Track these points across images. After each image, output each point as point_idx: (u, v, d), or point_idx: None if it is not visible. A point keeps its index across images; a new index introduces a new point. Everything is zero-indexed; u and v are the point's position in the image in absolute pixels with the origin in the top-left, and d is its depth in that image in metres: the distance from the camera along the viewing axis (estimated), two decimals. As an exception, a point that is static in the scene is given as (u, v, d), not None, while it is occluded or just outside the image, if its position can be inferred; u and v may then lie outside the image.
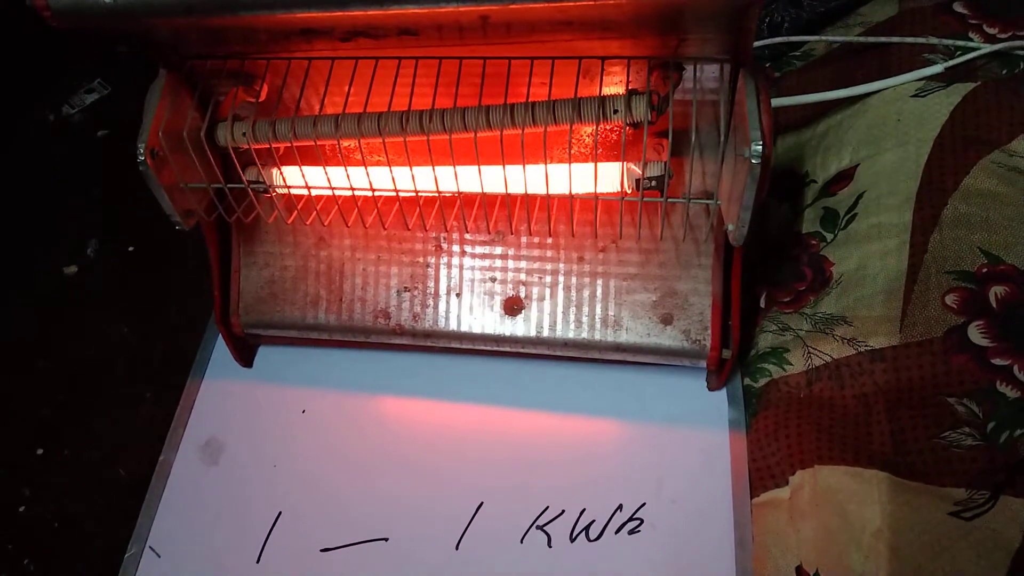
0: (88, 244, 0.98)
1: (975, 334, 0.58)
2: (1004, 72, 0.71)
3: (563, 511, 0.68)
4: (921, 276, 0.62)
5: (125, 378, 0.86)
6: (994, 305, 0.58)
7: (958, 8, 0.77)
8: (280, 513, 0.71)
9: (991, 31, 0.75)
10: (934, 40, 0.75)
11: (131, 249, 0.98)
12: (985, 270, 0.59)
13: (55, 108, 1.15)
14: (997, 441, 0.54)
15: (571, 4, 0.47)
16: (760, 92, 0.52)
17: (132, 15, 0.50)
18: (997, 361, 0.56)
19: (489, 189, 0.62)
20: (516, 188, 0.62)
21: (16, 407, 0.85)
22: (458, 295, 0.74)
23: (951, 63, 0.72)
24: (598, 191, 0.62)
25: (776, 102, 0.79)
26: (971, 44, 0.73)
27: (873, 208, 0.68)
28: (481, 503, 0.70)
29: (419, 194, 0.64)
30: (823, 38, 0.87)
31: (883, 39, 0.78)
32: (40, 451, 0.81)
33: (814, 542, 0.59)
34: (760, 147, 0.50)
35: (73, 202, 1.05)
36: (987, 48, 0.72)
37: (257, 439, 0.76)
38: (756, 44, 0.89)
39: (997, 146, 0.65)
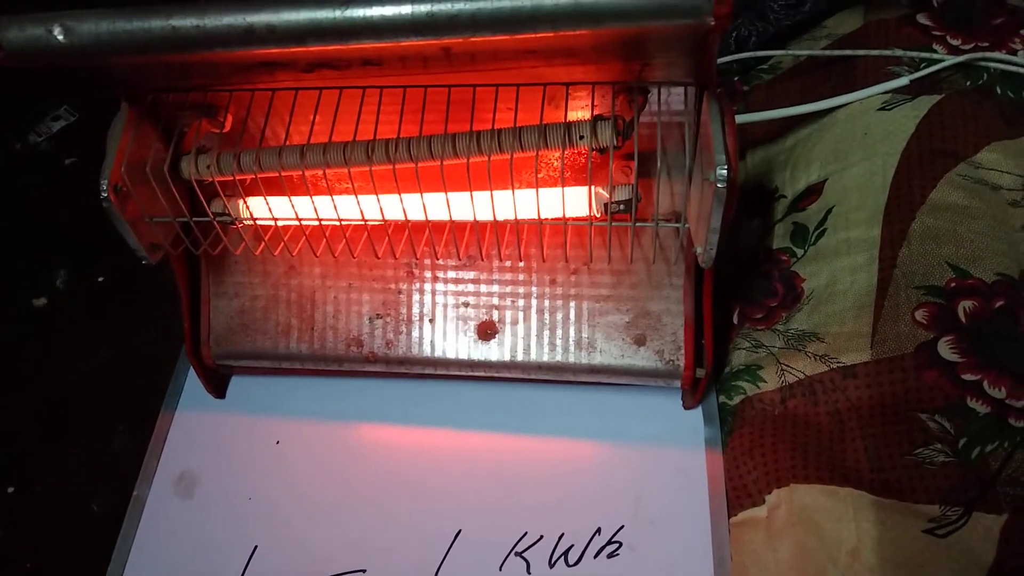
0: (57, 275, 0.97)
1: (945, 349, 0.58)
2: (968, 84, 0.71)
3: (541, 536, 0.68)
4: (891, 291, 0.62)
5: (97, 411, 0.84)
6: (963, 320, 0.58)
7: (922, 20, 0.78)
8: (256, 547, 0.70)
9: (954, 42, 0.75)
10: (899, 52, 0.76)
11: (101, 280, 0.96)
12: (953, 284, 0.60)
13: (21, 136, 1.14)
14: (969, 457, 0.55)
15: (532, 36, 0.46)
16: (724, 115, 0.52)
17: (88, 54, 0.49)
18: (967, 376, 0.56)
19: (457, 216, 0.62)
20: (485, 214, 0.62)
21: (-14, 444, 0.84)
22: (431, 321, 0.73)
23: (916, 75, 0.72)
24: (568, 215, 0.62)
25: (744, 118, 0.80)
26: (935, 56, 0.74)
27: (842, 223, 0.68)
28: (459, 531, 0.69)
29: (387, 222, 0.63)
30: (790, 52, 0.87)
31: (848, 52, 0.79)
32: (11, 489, 0.80)
33: (791, 562, 0.59)
34: (725, 171, 0.50)
35: (41, 232, 1.03)
36: (951, 60, 0.73)
37: (232, 472, 0.75)
38: (725, 59, 0.89)
39: (963, 158, 0.66)
